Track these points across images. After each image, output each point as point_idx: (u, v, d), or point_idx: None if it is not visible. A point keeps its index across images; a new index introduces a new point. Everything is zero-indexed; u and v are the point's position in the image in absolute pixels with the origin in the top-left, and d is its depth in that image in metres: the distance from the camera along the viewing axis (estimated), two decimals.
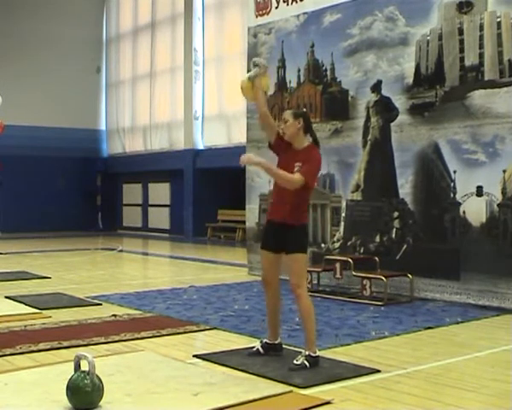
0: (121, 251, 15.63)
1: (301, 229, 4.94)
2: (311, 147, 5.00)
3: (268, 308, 5.19)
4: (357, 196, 9.05)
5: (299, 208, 4.90)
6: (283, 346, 5.23)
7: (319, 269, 8.61)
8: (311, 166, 4.88)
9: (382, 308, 7.40)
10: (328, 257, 8.70)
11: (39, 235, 19.36)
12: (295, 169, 4.83)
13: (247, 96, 5.31)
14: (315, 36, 9.62)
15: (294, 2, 9.95)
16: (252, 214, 10.74)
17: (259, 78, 5.16)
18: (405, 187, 8.38)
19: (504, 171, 7.33)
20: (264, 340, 5.17)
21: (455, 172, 7.82)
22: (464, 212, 7.71)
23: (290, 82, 10.05)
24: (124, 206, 23.16)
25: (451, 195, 7.86)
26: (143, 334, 5.96)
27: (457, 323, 6.60)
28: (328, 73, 9.44)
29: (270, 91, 10.27)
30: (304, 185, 4.79)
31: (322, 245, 9.46)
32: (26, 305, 7.43)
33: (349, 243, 9.11)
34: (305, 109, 5.22)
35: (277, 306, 5.15)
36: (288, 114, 5.04)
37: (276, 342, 5.16)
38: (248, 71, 5.42)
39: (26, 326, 6.25)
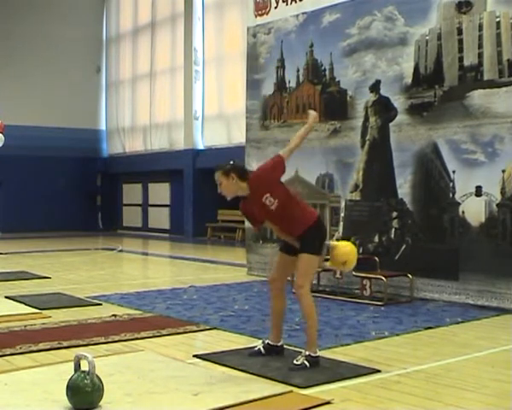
0: (121, 251, 15.63)
1: (310, 230, 4.88)
2: (251, 181, 4.78)
3: (272, 309, 5.17)
4: (356, 196, 9.05)
5: (294, 219, 4.85)
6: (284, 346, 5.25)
7: (319, 269, 8.60)
8: (265, 167, 4.88)
9: (382, 308, 7.41)
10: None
11: (39, 235, 19.36)
12: (267, 202, 4.74)
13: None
14: (314, 36, 9.62)
15: (294, 2, 9.95)
16: None
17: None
18: (404, 187, 8.38)
19: (503, 171, 7.34)
20: (267, 341, 5.16)
21: (454, 172, 7.82)
22: (463, 212, 7.71)
23: (289, 82, 10.05)
24: (124, 206, 23.16)
25: (450, 195, 7.86)
26: (143, 334, 5.97)
27: (457, 323, 6.60)
28: (327, 72, 9.45)
29: (270, 91, 10.30)
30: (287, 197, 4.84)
31: None
32: (26, 305, 7.44)
33: None
34: (231, 162, 4.85)
35: (281, 307, 5.13)
36: (218, 175, 4.73)
37: (279, 344, 5.15)
38: None
39: (26, 326, 6.25)
